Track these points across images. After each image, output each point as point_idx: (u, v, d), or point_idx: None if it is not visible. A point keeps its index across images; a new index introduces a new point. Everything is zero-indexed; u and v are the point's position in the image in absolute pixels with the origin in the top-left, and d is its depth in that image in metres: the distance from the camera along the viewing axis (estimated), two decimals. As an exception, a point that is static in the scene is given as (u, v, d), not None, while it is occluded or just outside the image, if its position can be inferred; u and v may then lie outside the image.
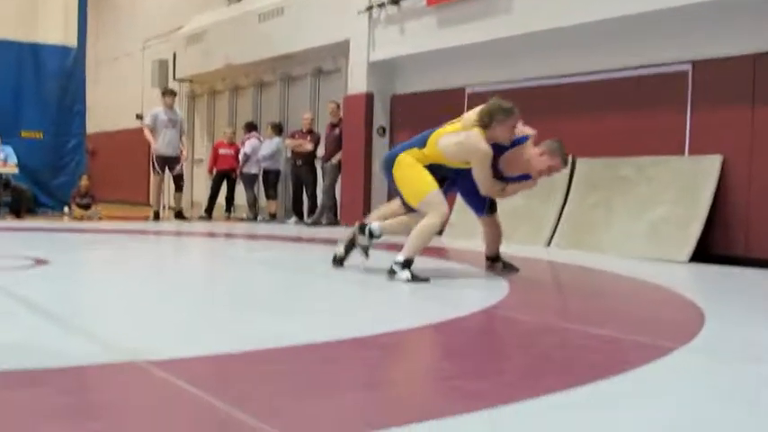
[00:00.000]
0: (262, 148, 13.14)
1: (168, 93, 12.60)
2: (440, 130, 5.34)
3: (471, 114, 5.34)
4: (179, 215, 12.52)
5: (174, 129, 12.25)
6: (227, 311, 4.04)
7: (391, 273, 5.10)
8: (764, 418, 2.25)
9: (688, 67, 7.88)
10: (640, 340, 3.37)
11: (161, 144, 12.13)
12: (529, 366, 2.92)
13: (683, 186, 7.65)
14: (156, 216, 12.38)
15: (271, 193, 13.25)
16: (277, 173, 13.27)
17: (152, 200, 12.76)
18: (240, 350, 2.89)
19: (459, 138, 5.20)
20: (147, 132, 12.26)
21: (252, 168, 13.34)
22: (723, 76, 7.57)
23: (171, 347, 2.93)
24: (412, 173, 5.28)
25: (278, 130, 13.21)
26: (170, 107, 12.34)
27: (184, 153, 12.92)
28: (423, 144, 5.31)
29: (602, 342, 3.37)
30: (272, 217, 13.14)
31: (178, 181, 12.58)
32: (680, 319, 4.12)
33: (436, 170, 5.28)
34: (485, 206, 5.67)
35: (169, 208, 12.83)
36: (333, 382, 2.56)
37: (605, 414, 2.24)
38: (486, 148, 5.12)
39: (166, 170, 12.27)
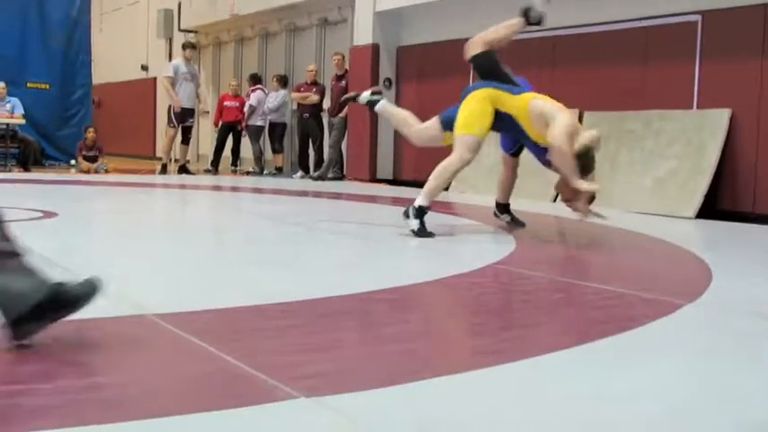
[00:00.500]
0: (267, 101, 13.08)
1: (189, 45, 12.70)
2: (542, 95, 5.14)
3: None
4: (183, 169, 12.51)
5: (192, 82, 12.34)
6: (233, 266, 4.05)
7: (406, 215, 5.05)
8: (770, 375, 2.25)
9: (698, 18, 7.78)
10: (647, 296, 3.37)
11: (182, 97, 12.16)
12: (535, 322, 2.93)
13: (690, 141, 7.60)
14: (164, 169, 12.38)
15: (276, 146, 13.20)
16: (283, 126, 13.21)
17: (163, 152, 12.75)
18: (246, 304, 2.90)
19: (557, 105, 5.02)
20: (167, 84, 12.26)
21: (257, 121, 13.28)
22: (733, 27, 7.48)
23: (179, 301, 2.94)
24: (479, 107, 5.11)
25: (283, 82, 13.13)
26: (189, 60, 12.40)
27: (202, 106, 12.97)
28: (517, 93, 5.13)
29: (608, 298, 3.37)
30: (279, 170, 13.11)
31: (186, 134, 12.56)
32: (687, 276, 4.12)
33: (499, 120, 5.14)
34: (514, 146, 5.63)
35: (175, 161, 12.81)
36: (339, 337, 2.57)
37: (611, 371, 2.24)
38: (573, 122, 4.95)
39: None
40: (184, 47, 12.66)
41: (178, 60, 12.56)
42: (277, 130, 13.14)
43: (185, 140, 12.63)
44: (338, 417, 1.76)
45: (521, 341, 2.57)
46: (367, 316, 2.89)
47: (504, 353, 2.38)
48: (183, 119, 12.27)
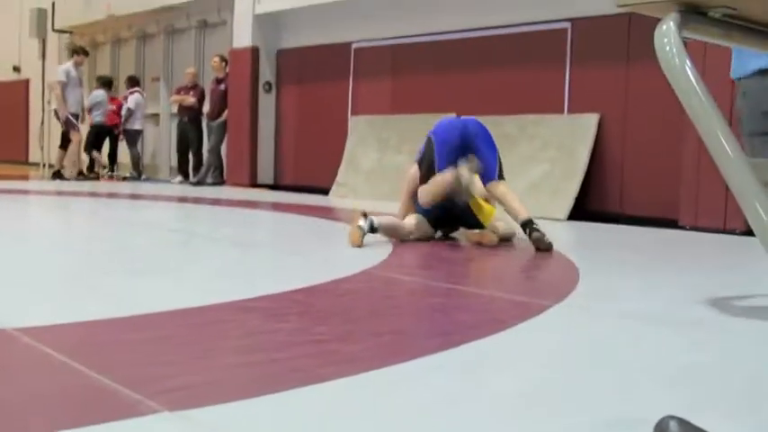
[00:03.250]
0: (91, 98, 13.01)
1: (81, 51, 12.72)
2: None
3: None
4: (57, 174, 12.17)
5: (79, 87, 12.31)
6: (104, 276, 3.95)
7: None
8: (627, 371, 2.35)
9: (567, 25, 8.04)
10: (518, 299, 3.46)
11: (72, 102, 12.06)
12: (406, 328, 2.97)
13: (562, 145, 7.85)
14: (81, 173, 12.43)
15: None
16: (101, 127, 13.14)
17: (72, 158, 12.46)
18: (115, 316, 2.83)
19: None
20: (59, 89, 12.06)
21: (135, 124, 13.02)
22: (600, 35, 7.77)
23: (43, 314, 2.84)
24: None
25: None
26: (79, 65, 12.33)
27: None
28: None
29: (480, 302, 3.45)
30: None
31: (65, 138, 12.36)
32: (556, 277, 4.26)
33: None
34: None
35: (48, 166, 12.42)
36: (209, 347, 2.55)
37: (476, 374, 2.30)
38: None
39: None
40: (77, 51, 12.58)
41: (68, 65, 12.44)
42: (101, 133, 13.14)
43: (63, 145, 12.36)
44: (201, 429, 1.74)
45: (389, 348, 2.59)
46: (239, 325, 2.87)
47: (372, 360, 2.40)
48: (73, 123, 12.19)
